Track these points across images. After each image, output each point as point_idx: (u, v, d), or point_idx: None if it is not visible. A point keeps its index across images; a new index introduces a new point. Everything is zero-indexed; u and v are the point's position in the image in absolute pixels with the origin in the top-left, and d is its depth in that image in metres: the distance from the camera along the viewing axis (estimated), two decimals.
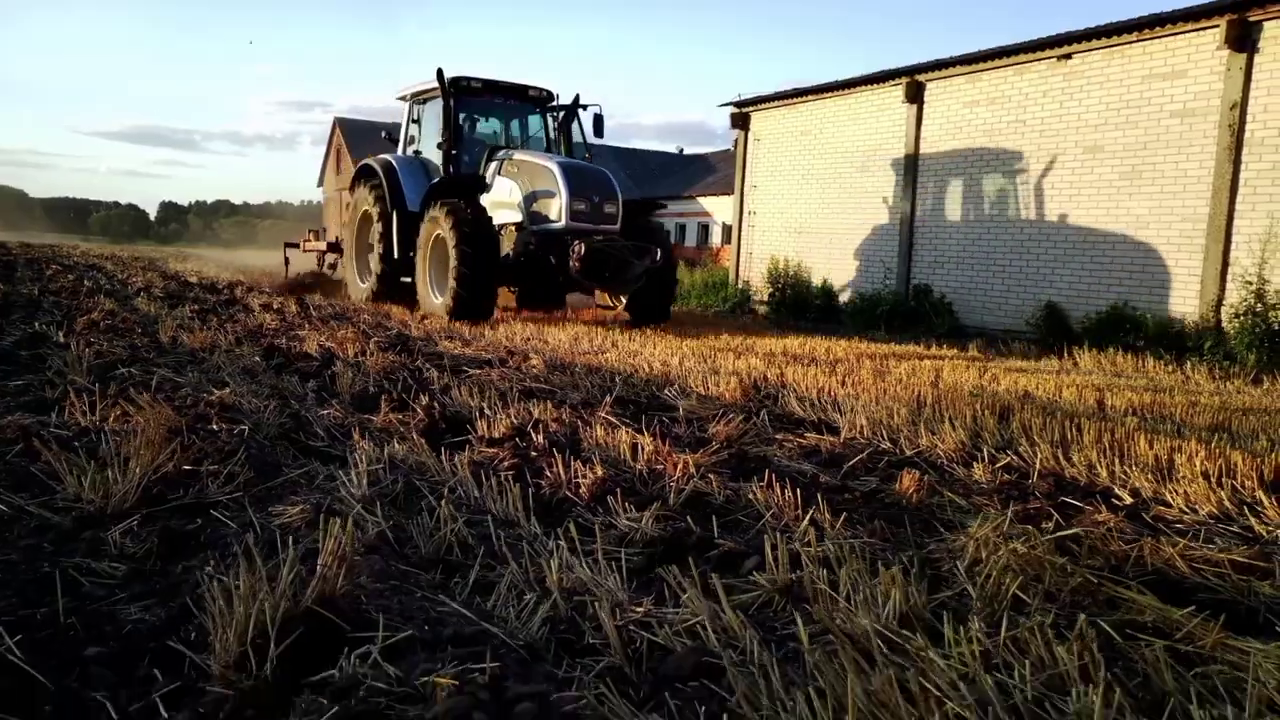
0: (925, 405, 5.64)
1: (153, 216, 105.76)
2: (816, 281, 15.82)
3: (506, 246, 11.79)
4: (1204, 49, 10.36)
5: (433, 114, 13.42)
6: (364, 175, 14.06)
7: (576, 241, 10.85)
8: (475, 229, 10.85)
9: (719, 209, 39.48)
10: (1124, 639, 2.12)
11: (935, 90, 13.96)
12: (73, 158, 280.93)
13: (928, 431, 4.87)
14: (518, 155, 12.28)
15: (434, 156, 13.25)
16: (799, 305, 15.67)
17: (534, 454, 3.86)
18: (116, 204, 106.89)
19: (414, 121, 14.12)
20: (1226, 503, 3.60)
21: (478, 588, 2.36)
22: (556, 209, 11.19)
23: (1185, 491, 3.75)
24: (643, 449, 3.98)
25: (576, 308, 13.84)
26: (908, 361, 8.67)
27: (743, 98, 17.75)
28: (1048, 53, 12.14)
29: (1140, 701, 1.84)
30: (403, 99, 14.32)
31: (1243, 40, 9.93)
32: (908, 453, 4.60)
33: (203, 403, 4.20)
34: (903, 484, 3.73)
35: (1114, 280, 11.44)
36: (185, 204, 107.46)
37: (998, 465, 4.25)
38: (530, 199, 11.63)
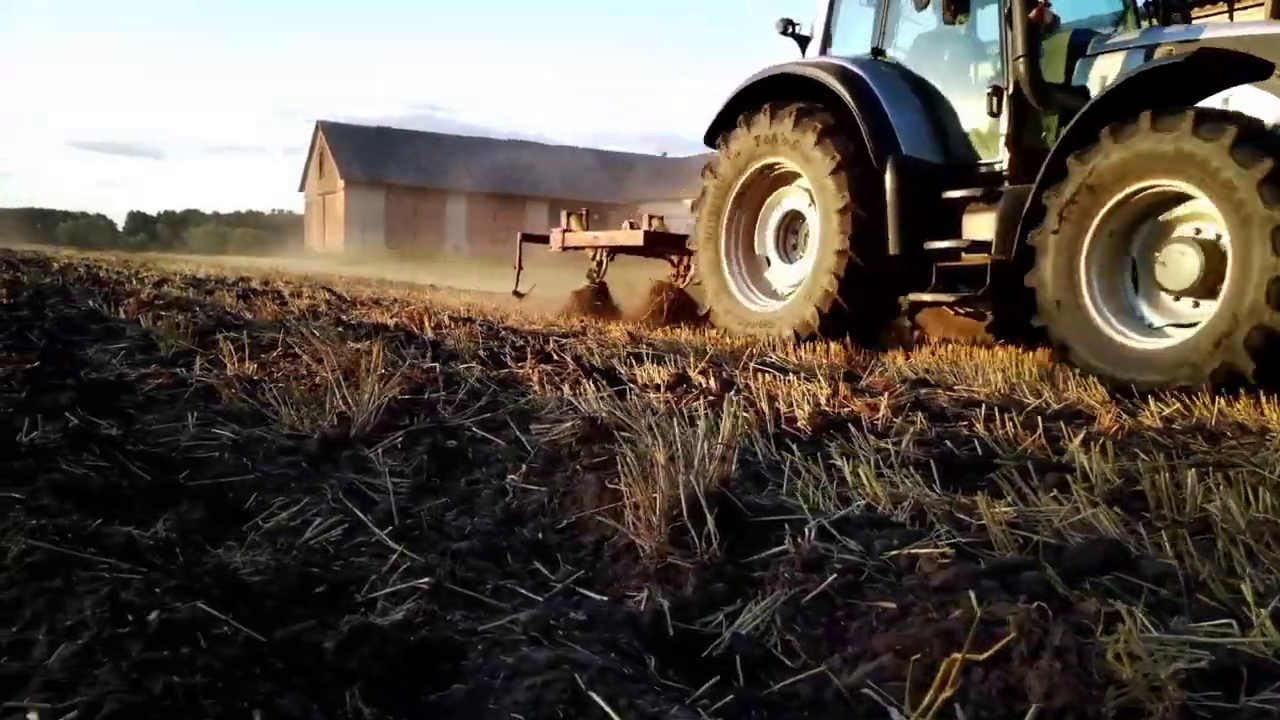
0: (1041, 365, 5.56)
1: (120, 226, 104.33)
2: None
3: None
4: None
5: None
6: (776, 93, 7.30)
7: None
8: None
9: None
10: None
11: None
12: (38, 167, 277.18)
13: (1071, 385, 4.78)
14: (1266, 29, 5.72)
15: (900, 56, 7.30)
16: None
17: (711, 397, 3.71)
18: (84, 214, 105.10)
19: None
20: None
21: (791, 492, 2.21)
22: None
23: None
24: (819, 395, 3.84)
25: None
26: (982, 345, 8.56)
27: None
28: None
29: None
30: None
31: None
32: (1055, 406, 4.48)
33: (351, 351, 4.02)
34: (1103, 422, 3.63)
35: None
36: (154, 213, 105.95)
37: (1163, 413, 4.14)
38: None
